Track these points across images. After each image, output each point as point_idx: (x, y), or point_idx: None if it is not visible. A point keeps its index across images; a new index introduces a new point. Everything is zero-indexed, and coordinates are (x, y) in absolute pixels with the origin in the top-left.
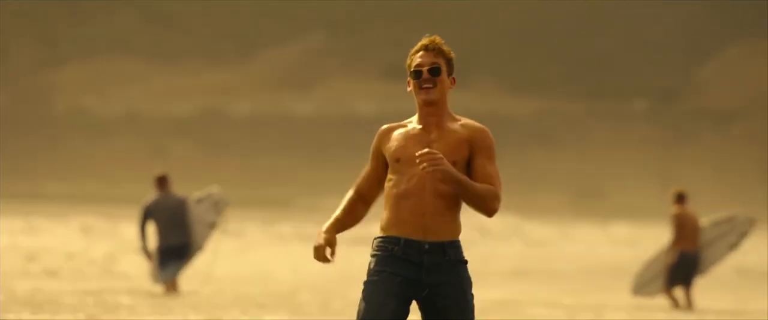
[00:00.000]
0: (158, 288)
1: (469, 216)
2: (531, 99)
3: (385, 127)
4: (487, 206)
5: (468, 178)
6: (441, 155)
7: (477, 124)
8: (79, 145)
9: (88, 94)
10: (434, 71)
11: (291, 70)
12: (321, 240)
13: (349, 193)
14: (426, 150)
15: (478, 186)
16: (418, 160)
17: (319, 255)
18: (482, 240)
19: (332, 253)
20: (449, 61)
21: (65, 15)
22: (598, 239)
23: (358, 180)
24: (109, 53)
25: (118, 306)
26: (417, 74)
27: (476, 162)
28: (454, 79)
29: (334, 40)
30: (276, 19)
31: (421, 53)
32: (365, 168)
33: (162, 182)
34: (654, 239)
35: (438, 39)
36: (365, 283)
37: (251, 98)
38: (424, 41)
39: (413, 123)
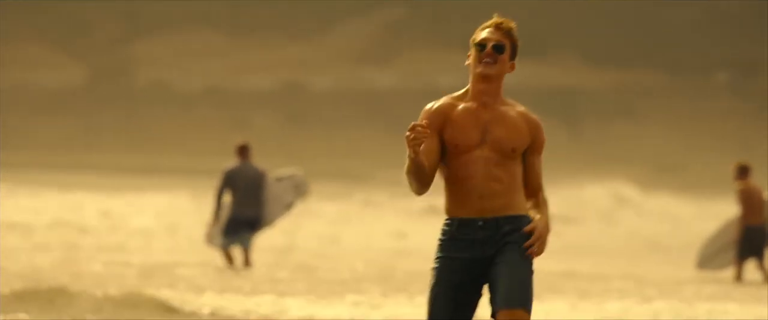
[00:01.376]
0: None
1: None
2: (611, 72)
3: (435, 107)
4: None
5: (547, 211)
6: (545, 235)
7: (533, 116)
8: (159, 118)
9: (167, 68)
10: (498, 48)
11: (371, 43)
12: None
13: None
14: (535, 238)
15: (547, 209)
16: (531, 250)
17: (417, 131)
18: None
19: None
20: (514, 45)
21: None
22: (680, 213)
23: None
24: (188, 26)
25: (182, 279)
26: (481, 47)
27: (530, 157)
28: (513, 64)
29: (414, 13)
30: None
31: (489, 29)
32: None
33: (243, 151)
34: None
35: (509, 21)
36: (433, 269)
37: (331, 71)
38: (496, 20)
39: (465, 100)
